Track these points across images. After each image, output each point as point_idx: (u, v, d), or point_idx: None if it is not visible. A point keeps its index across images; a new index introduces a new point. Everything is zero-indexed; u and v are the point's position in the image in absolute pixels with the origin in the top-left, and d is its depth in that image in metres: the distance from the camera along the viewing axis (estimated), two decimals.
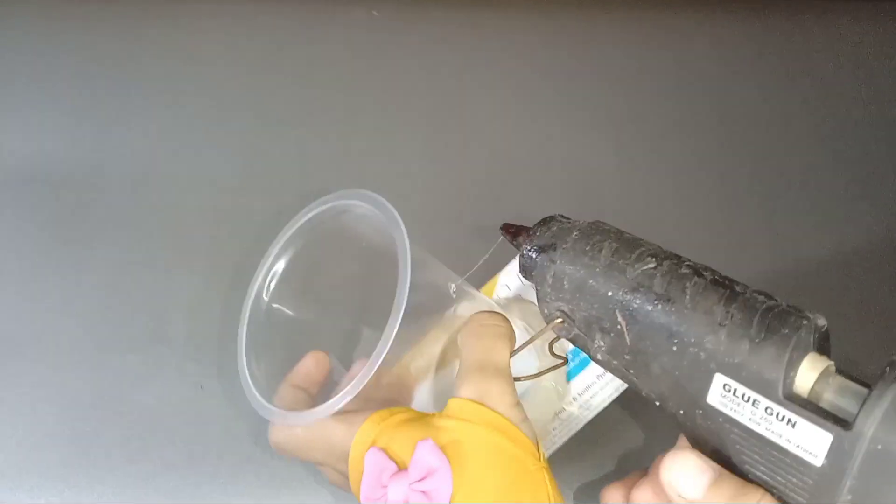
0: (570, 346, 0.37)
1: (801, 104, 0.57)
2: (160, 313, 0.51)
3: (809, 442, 0.27)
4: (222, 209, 0.54)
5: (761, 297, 0.30)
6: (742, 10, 0.59)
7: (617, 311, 0.32)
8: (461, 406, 0.34)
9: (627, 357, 0.32)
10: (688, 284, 0.31)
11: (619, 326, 0.32)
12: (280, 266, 0.43)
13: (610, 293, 0.32)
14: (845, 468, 0.26)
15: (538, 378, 0.40)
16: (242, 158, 0.55)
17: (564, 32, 0.59)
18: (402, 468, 0.33)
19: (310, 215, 0.41)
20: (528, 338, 0.37)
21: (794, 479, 0.28)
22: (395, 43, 0.58)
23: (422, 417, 0.35)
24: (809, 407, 0.27)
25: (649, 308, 0.31)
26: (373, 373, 0.34)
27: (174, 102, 0.57)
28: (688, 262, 0.32)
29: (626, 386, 0.36)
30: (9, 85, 0.57)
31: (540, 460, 0.34)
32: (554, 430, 0.44)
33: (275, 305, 0.43)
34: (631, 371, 0.33)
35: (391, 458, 0.33)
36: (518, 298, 0.44)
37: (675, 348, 0.30)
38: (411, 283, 0.34)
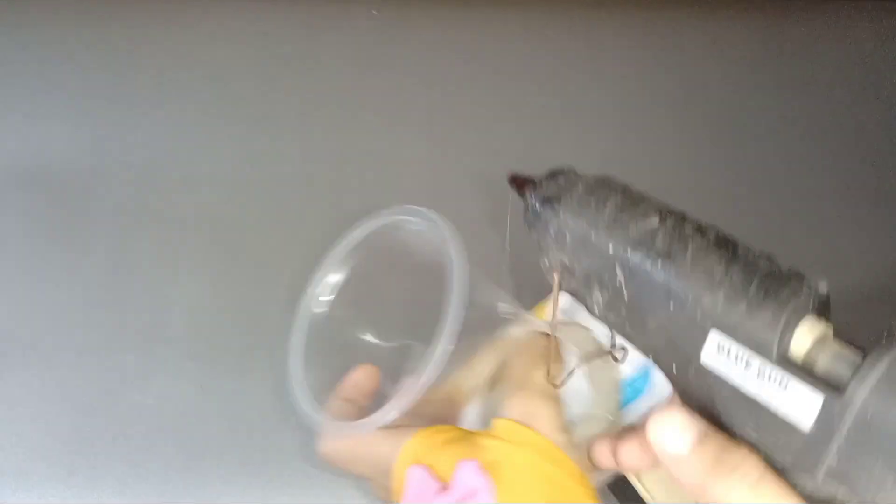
0: (630, 360, 0.37)
1: (801, 104, 0.56)
2: (160, 313, 0.51)
3: (799, 405, 0.27)
4: (222, 209, 0.54)
5: (763, 261, 0.29)
6: (742, 10, 0.58)
7: (617, 266, 0.32)
8: (506, 427, 0.34)
9: (624, 312, 0.32)
10: (689, 244, 0.30)
11: (617, 282, 0.32)
12: (334, 279, 0.43)
13: (611, 249, 0.32)
14: (833, 433, 0.26)
15: (590, 405, 0.39)
16: (242, 158, 0.56)
17: (565, 32, 0.59)
18: (444, 486, 0.32)
19: (367, 232, 0.41)
20: (579, 362, 0.36)
21: (782, 441, 0.28)
22: (396, 42, 0.58)
23: (466, 436, 0.35)
24: (802, 371, 0.27)
25: (649, 265, 0.31)
26: (421, 389, 0.33)
27: (174, 102, 0.57)
28: (692, 221, 0.32)
29: None
30: (9, 85, 0.57)
31: (584, 486, 0.33)
32: None
33: (327, 318, 0.43)
34: (627, 326, 0.33)
35: (434, 476, 0.33)
36: (570, 322, 0.44)
37: (672, 306, 0.30)
38: (463, 301, 0.34)
